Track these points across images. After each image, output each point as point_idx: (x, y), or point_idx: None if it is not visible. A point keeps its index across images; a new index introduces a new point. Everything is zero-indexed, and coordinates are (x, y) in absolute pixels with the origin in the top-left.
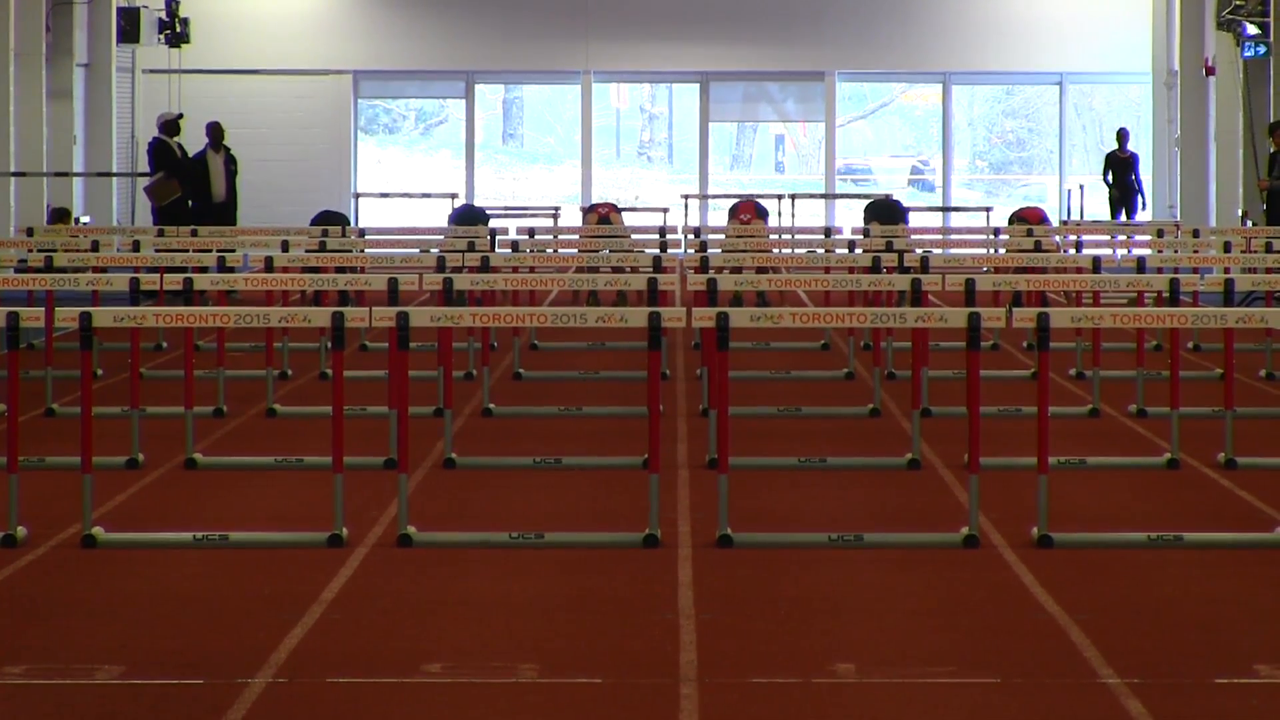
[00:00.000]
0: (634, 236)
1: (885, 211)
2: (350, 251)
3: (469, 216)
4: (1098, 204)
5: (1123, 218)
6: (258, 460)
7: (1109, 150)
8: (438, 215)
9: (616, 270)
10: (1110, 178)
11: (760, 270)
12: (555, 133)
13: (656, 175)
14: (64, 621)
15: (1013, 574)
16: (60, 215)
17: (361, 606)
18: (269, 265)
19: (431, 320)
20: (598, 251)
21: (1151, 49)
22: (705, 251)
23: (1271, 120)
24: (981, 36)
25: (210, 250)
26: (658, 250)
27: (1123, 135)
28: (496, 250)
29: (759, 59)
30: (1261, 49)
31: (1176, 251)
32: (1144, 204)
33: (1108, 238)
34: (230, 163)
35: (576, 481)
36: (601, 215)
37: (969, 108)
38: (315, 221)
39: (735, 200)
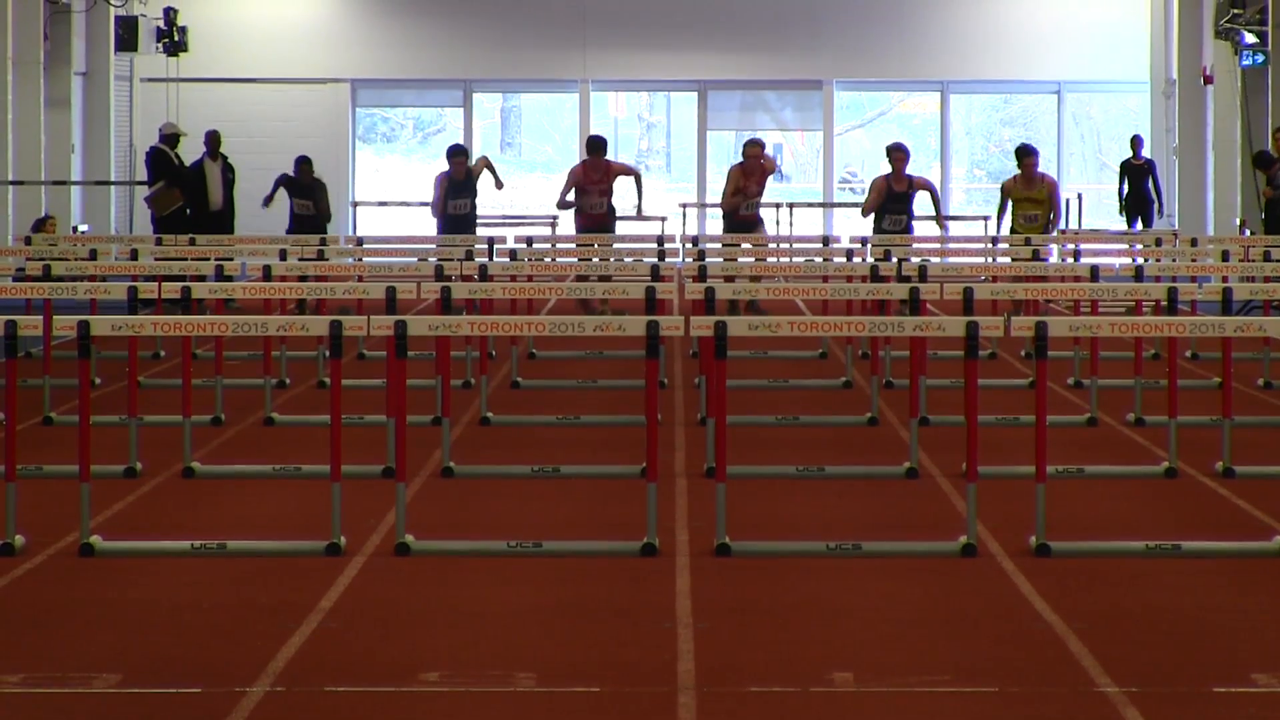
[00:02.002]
0: (630, 246)
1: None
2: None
3: (457, 151)
4: (1100, 213)
5: (1139, 226)
6: (256, 469)
7: (1124, 158)
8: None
9: (603, 279)
10: (1125, 186)
11: (755, 279)
12: (553, 141)
13: (654, 184)
14: (61, 630)
15: (1010, 583)
16: (39, 224)
17: (359, 615)
18: (267, 274)
19: (430, 329)
20: (591, 260)
21: (1149, 58)
22: (704, 260)
23: (1271, 127)
24: (979, 45)
25: (208, 259)
26: (655, 259)
27: (1137, 142)
28: (494, 259)
29: (757, 68)
30: (1259, 58)
31: (1174, 260)
32: (1162, 211)
33: (1106, 246)
34: (227, 171)
35: (574, 490)
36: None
37: (967, 116)
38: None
39: (749, 141)
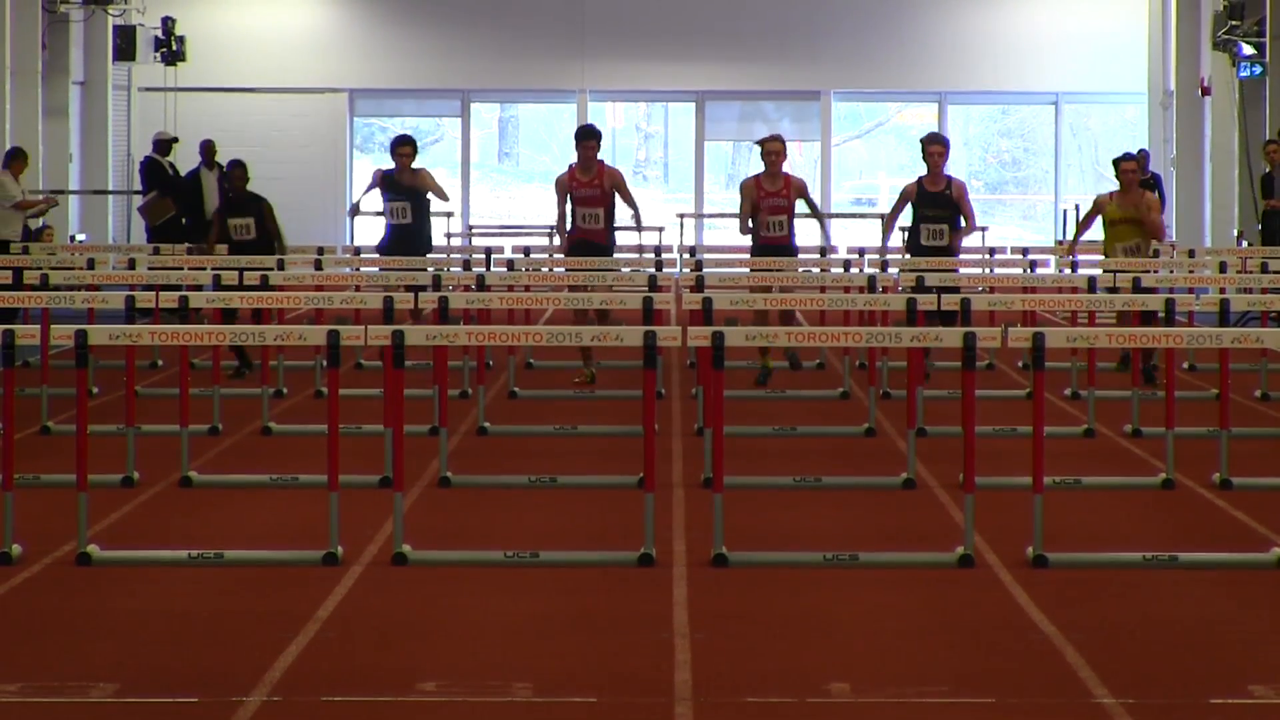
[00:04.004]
0: (628, 256)
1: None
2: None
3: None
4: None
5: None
6: (253, 478)
7: None
8: (434, 234)
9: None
10: None
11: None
12: (551, 151)
13: (652, 194)
14: (59, 639)
15: (1008, 594)
16: (36, 234)
17: (356, 625)
18: (264, 283)
19: (427, 338)
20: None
21: (1147, 69)
22: (701, 270)
23: (1266, 138)
24: (977, 56)
25: (205, 269)
26: (653, 270)
27: (1143, 156)
28: (492, 269)
29: (755, 78)
30: (1257, 69)
31: (1172, 271)
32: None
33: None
34: (223, 180)
35: (571, 500)
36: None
37: (964, 127)
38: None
39: (765, 137)
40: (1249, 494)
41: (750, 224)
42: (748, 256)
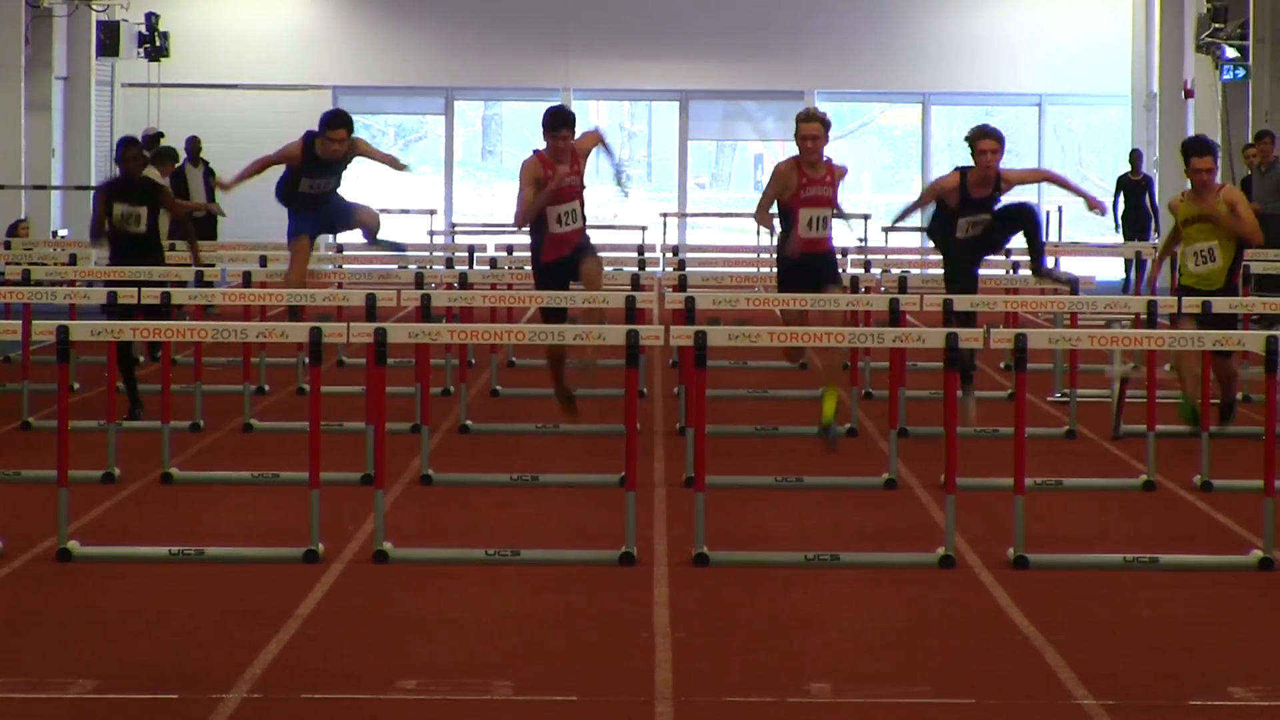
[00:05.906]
0: (610, 255)
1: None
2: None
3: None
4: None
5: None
6: (234, 475)
7: (1121, 173)
8: (417, 232)
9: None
10: (1121, 201)
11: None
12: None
13: (635, 193)
14: (38, 635)
15: (989, 594)
16: (12, 228)
17: (337, 622)
18: (247, 280)
19: (409, 336)
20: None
21: (1131, 71)
22: (684, 269)
23: (1251, 138)
24: (960, 57)
25: (188, 264)
26: (635, 269)
27: (1136, 157)
28: (474, 267)
29: (738, 78)
30: (1240, 72)
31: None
32: (1158, 228)
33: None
34: (208, 176)
35: (553, 499)
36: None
37: (948, 128)
38: None
39: (802, 115)
40: (1230, 496)
41: (773, 215)
42: (746, 256)
